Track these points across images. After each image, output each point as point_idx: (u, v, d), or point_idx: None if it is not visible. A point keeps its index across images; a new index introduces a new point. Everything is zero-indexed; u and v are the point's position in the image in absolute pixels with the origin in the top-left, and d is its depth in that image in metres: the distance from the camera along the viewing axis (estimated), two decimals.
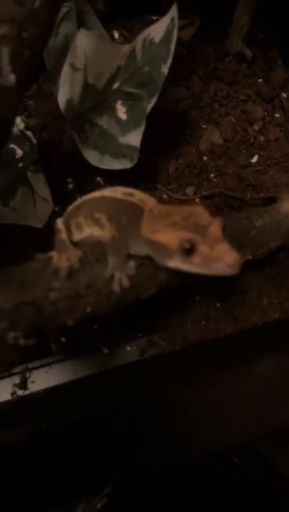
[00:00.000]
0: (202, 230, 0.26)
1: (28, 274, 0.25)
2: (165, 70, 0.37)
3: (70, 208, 0.32)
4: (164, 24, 0.36)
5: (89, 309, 0.26)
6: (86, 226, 0.31)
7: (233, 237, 0.35)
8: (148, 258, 0.29)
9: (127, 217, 0.29)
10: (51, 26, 0.28)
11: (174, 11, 0.36)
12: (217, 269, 0.26)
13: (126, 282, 0.27)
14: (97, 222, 0.30)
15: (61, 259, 0.26)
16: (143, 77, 0.37)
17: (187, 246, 0.26)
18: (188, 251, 0.26)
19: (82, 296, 0.26)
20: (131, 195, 0.30)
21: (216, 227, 0.26)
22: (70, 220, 0.31)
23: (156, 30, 0.36)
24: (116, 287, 0.27)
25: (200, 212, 0.27)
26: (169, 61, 0.36)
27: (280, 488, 0.49)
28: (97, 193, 0.31)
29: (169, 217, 0.27)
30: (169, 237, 0.26)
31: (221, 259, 0.26)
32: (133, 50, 0.38)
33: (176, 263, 0.27)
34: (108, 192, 0.31)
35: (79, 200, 0.32)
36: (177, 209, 0.28)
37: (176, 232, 0.26)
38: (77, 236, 0.30)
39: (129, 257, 0.28)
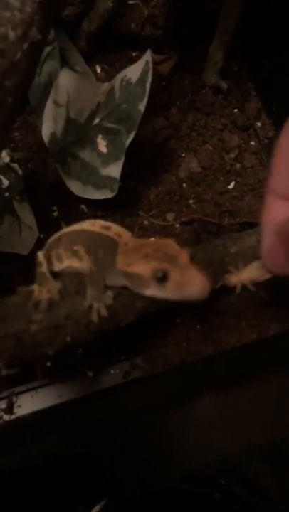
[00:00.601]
0: (172, 260, 0.28)
1: (10, 307, 0.26)
2: (142, 107, 0.39)
3: (50, 240, 0.34)
4: (139, 66, 0.39)
5: (68, 339, 0.28)
6: (66, 258, 0.32)
7: (208, 263, 0.37)
8: (125, 288, 0.31)
9: (104, 250, 0.30)
10: (32, 75, 0.30)
11: (148, 56, 0.39)
12: (188, 294, 0.27)
13: (104, 312, 0.29)
14: (75, 254, 0.32)
15: (42, 291, 0.28)
16: (121, 114, 0.40)
17: (160, 274, 0.27)
18: (162, 279, 0.27)
19: (62, 326, 0.27)
20: (108, 228, 0.31)
21: (184, 256, 0.28)
22: (51, 252, 0.33)
23: (133, 72, 0.39)
24: (94, 317, 0.29)
25: (170, 244, 0.29)
26: (145, 100, 0.39)
27: (264, 508, 0.50)
28: (76, 226, 0.33)
29: (142, 250, 0.28)
30: (143, 268, 0.27)
31: (191, 283, 0.27)
32: (112, 89, 0.40)
33: (151, 291, 0.28)
34: (87, 225, 0.32)
35: (59, 232, 0.34)
36: (150, 242, 0.29)
37: (149, 263, 0.27)
38: (57, 267, 0.32)
39: (107, 287, 0.29)
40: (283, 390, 0.46)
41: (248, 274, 0.30)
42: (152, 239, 0.31)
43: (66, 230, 0.33)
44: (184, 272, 0.27)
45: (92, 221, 0.33)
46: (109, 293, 0.29)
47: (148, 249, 0.28)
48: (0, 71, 0.28)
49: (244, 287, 0.44)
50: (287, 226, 0.23)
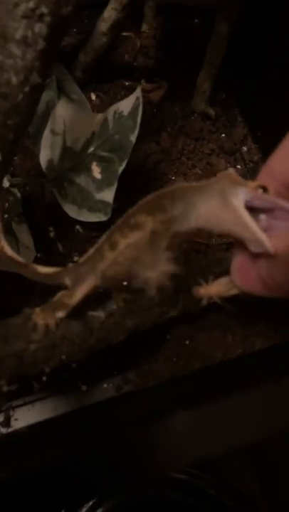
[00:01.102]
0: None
1: (11, 328, 0.29)
2: (133, 138, 0.42)
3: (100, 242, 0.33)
4: (131, 101, 0.42)
5: (64, 357, 0.30)
6: (121, 239, 0.30)
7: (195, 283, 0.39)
8: (118, 308, 0.34)
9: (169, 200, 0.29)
10: (32, 113, 0.33)
11: (138, 92, 0.42)
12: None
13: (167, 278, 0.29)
14: (133, 227, 0.30)
15: (38, 316, 0.30)
16: (114, 143, 0.43)
17: None
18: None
19: (58, 345, 0.30)
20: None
21: None
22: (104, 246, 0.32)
23: (125, 105, 0.42)
24: (153, 291, 0.29)
25: None
26: (136, 131, 0.41)
27: None
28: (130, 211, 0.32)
29: None
30: None
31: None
32: (106, 120, 0.43)
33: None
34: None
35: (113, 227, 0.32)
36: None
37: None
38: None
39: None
40: (268, 401, 0.48)
41: (215, 287, 0.31)
42: None
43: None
44: None
45: None
46: (101, 313, 0.32)
47: None
48: (3, 111, 0.31)
49: (231, 303, 0.47)
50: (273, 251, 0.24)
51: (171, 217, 0.29)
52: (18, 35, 0.29)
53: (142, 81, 0.57)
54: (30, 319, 0.29)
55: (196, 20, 0.63)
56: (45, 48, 0.29)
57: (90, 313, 0.31)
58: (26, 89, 0.30)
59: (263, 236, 0.24)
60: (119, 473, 0.45)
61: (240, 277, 0.27)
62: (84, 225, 0.51)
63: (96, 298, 0.33)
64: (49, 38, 0.29)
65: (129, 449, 0.47)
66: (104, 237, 0.31)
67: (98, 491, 0.45)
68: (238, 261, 0.27)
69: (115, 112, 0.42)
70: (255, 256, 0.25)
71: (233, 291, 0.30)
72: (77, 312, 0.31)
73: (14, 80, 0.30)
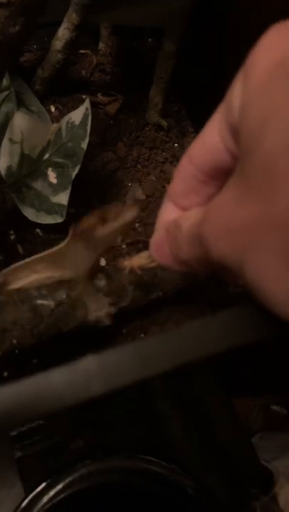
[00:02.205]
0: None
1: None
2: (84, 145, 0.45)
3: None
4: (81, 111, 0.45)
5: (15, 341, 0.33)
6: (23, 277, 0.37)
7: (141, 277, 0.43)
8: (67, 298, 0.36)
9: (58, 259, 0.36)
10: None
11: (87, 103, 0.45)
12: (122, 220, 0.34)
13: (108, 321, 0.36)
14: (33, 271, 0.37)
15: None
16: (67, 150, 0.46)
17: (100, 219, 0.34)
18: (102, 221, 0.34)
19: (9, 330, 0.32)
20: None
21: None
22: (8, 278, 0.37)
23: (76, 115, 0.46)
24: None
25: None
26: (87, 139, 0.45)
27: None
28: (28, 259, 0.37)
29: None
30: (88, 223, 0.34)
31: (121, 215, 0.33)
32: (60, 129, 0.47)
33: (101, 231, 0.34)
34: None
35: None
36: None
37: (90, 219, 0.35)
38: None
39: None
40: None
41: (137, 260, 0.35)
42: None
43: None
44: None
45: None
46: (52, 301, 0.35)
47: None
48: None
49: (182, 297, 0.51)
50: (173, 228, 0.28)
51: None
52: None
53: (99, 94, 0.61)
54: None
55: (149, 39, 0.67)
56: None
57: (40, 301, 0.34)
58: None
59: None
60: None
61: (156, 251, 0.31)
62: (43, 228, 0.54)
63: (45, 288, 0.35)
64: (0, 48, 0.32)
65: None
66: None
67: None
68: (155, 237, 0.31)
69: (68, 122, 0.46)
70: (168, 232, 0.28)
71: (152, 264, 0.34)
72: (27, 302, 0.34)
73: None
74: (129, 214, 0.33)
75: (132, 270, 0.34)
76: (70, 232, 0.35)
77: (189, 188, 0.29)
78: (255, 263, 0.22)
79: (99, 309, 0.37)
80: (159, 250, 0.30)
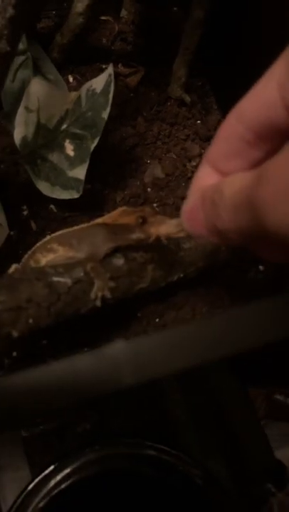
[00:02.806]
0: (142, 211, 0.35)
1: None
2: (105, 115, 0.42)
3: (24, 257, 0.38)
4: (103, 78, 0.42)
5: (31, 321, 0.31)
6: (42, 258, 0.36)
7: (162, 258, 0.40)
8: (85, 275, 0.34)
9: (76, 239, 0.36)
10: (1, 82, 0.33)
11: (110, 69, 0.42)
12: (162, 231, 0.34)
13: (108, 294, 0.35)
14: (50, 250, 0.36)
15: None
16: (87, 121, 0.43)
17: (141, 220, 0.34)
18: (142, 223, 0.34)
19: (24, 308, 0.30)
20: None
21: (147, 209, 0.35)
22: (28, 262, 0.37)
23: (98, 83, 0.43)
24: (98, 303, 0.35)
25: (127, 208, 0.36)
26: (108, 108, 0.42)
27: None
28: (45, 238, 0.38)
29: (112, 216, 0.36)
30: (129, 219, 0.34)
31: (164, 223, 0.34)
32: (79, 97, 0.44)
33: (136, 235, 0.35)
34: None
35: (33, 248, 0.38)
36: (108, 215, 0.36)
37: (130, 216, 0.35)
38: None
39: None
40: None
41: (165, 227, 0.33)
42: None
43: (35, 247, 0.39)
44: (155, 215, 0.34)
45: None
46: (68, 279, 0.33)
47: (117, 212, 0.35)
48: None
49: (200, 281, 0.48)
50: (211, 193, 0.25)
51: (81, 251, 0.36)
52: None
53: (119, 65, 0.58)
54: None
55: (174, 8, 0.64)
56: (14, 15, 0.30)
57: (56, 278, 0.32)
58: None
59: None
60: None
61: (188, 219, 0.27)
62: (58, 203, 0.51)
63: (61, 266, 0.33)
64: (18, 6, 0.30)
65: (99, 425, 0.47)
66: (29, 253, 0.38)
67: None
68: (188, 203, 0.27)
69: (88, 90, 0.43)
70: (204, 199, 0.25)
71: (181, 234, 0.32)
72: (43, 278, 0.32)
73: None
74: (170, 228, 0.32)
75: (157, 238, 0.32)
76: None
77: (233, 150, 0.25)
78: None
79: (100, 289, 0.35)
80: (192, 218, 0.26)
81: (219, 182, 0.25)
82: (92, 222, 0.36)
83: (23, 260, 0.37)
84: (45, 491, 0.48)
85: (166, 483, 0.50)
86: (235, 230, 0.24)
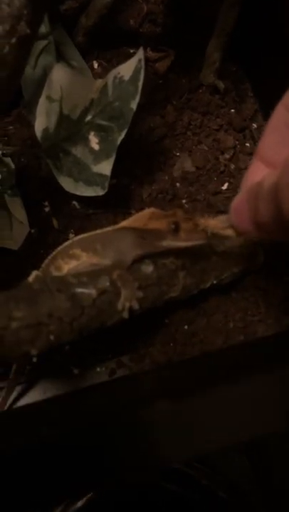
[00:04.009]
0: (174, 214, 0.32)
1: None
2: (134, 105, 0.39)
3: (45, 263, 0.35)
4: (132, 64, 0.38)
5: (52, 337, 0.28)
6: (64, 264, 0.34)
7: (194, 262, 0.37)
8: (111, 284, 0.31)
9: (100, 243, 0.33)
10: (21, 68, 0.30)
11: (140, 53, 0.38)
12: (195, 239, 0.32)
13: (136, 306, 0.32)
14: (72, 256, 0.34)
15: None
16: (114, 111, 0.40)
17: (173, 226, 0.31)
18: (175, 230, 0.31)
19: (45, 324, 0.27)
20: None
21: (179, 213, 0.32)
22: (49, 268, 0.34)
23: (126, 69, 0.39)
24: (126, 314, 0.32)
25: (157, 211, 0.34)
26: (137, 98, 0.38)
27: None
28: (67, 243, 0.35)
29: (140, 220, 0.33)
30: (160, 224, 0.32)
31: (197, 231, 0.32)
32: (105, 86, 0.40)
33: (168, 242, 0.32)
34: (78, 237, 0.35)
35: (54, 252, 0.36)
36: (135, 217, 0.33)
37: (161, 220, 0.32)
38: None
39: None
40: (266, 390, 0.45)
41: (214, 222, 0.32)
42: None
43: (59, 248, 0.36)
44: (188, 221, 0.32)
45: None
46: (93, 290, 0.29)
47: (145, 214, 0.33)
48: None
49: (233, 287, 0.45)
50: (255, 187, 0.25)
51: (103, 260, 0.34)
52: None
53: (148, 49, 0.54)
54: (13, 296, 0.27)
55: None
56: None
57: (80, 290, 0.29)
58: (13, 40, 0.27)
59: None
60: (106, 459, 0.43)
61: (236, 215, 0.27)
62: (81, 200, 0.48)
63: (85, 274, 0.30)
64: None
65: (120, 436, 0.45)
66: (49, 258, 0.36)
67: (84, 477, 0.43)
68: (236, 200, 0.28)
69: (115, 77, 0.39)
70: (250, 193, 0.25)
71: (228, 232, 0.31)
72: (65, 290, 0.29)
73: (0, 29, 0.27)
74: (218, 223, 0.31)
75: (204, 230, 0.30)
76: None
77: (283, 139, 0.26)
78: None
79: (128, 299, 0.32)
80: (238, 213, 0.27)
81: (264, 176, 0.25)
82: (117, 226, 0.33)
83: (44, 266, 0.34)
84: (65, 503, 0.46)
85: (189, 498, 0.48)
86: (272, 221, 0.24)
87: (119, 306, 0.31)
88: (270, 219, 0.24)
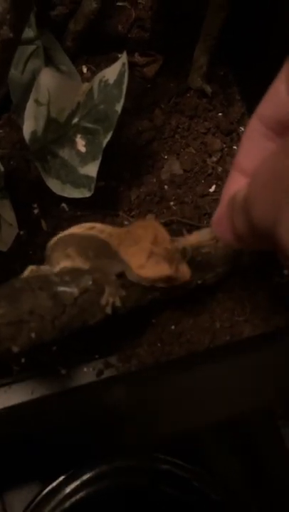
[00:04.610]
0: (172, 257, 0.33)
1: None
2: (118, 108, 0.39)
3: (49, 244, 0.36)
4: (116, 68, 0.39)
5: (33, 335, 0.28)
6: (60, 260, 0.36)
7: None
8: (94, 283, 0.32)
9: (92, 250, 0.35)
10: (5, 71, 0.30)
11: (124, 58, 0.39)
12: (177, 283, 0.34)
13: (118, 302, 0.33)
14: (68, 256, 0.34)
15: None
16: (99, 114, 0.40)
17: (167, 279, 0.33)
18: (168, 280, 0.33)
19: (26, 321, 0.28)
20: (92, 228, 0.34)
21: (177, 251, 0.34)
22: (50, 255, 0.36)
23: (111, 73, 0.39)
24: (109, 310, 0.33)
25: (160, 231, 0.34)
26: (122, 101, 0.39)
27: None
28: (66, 231, 0.35)
29: (140, 244, 0.33)
30: (157, 273, 0.33)
31: (182, 279, 0.34)
32: (91, 89, 0.41)
33: (156, 284, 0.34)
34: (75, 229, 0.35)
35: (54, 239, 0.37)
36: (137, 230, 0.32)
37: (158, 267, 0.33)
38: (55, 269, 0.35)
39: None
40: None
41: (195, 237, 0.34)
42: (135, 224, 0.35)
43: (60, 235, 0.36)
44: (179, 268, 0.33)
45: (79, 225, 0.37)
46: (75, 289, 0.30)
47: (145, 242, 0.32)
48: None
49: (219, 287, 0.45)
50: (233, 198, 0.25)
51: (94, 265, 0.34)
52: None
53: (136, 54, 0.55)
54: None
55: None
56: None
57: (62, 288, 0.29)
58: None
59: None
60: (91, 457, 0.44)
61: (217, 228, 0.28)
62: (70, 202, 0.49)
63: (68, 274, 0.31)
64: None
65: (108, 435, 0.45)
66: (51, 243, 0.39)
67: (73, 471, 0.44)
68: (218, 212, 0.28)
69: (101, 80, 0.40)
70: (228, 204, 0.26)
71: (211, 242, 0.33)
72: (47, 288, 0.29)
73: None
74: (202, 236, 0.33)
75: (184, 249, 0.31)
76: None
77: (259, 150, 0.26)
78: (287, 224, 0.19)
79: (112, 294, 0.33)
80: (219, 225, 0.27)
81: (240, 187, 0.25)
82: (114, 247, 0.34)
83: (48, 248, 0.37)
84: (55, 502, 0.46)
85: (182, 500, 0.48)
86: (247, 232, 0.24)
87: (103, 301, 0.32)
88: (245, 230, 0.24)
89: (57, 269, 0.35)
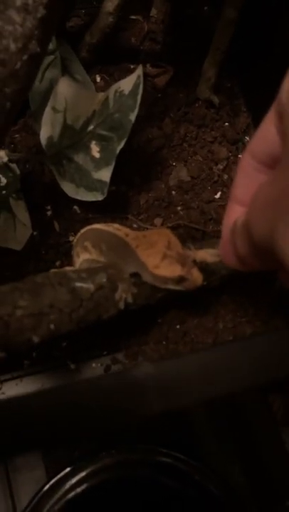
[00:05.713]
0: (184, 260, 0.35)
1: None
2: (132, 117, 0.42)
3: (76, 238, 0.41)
4: (132, 79, 0.42)
5: (52, 326, 0.30)
6: (80, 253, 0.39)
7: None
8: (108, 280, 0.34)
9: (106, 244, 0.37)
10: (31, 83, 0.33)
11: (140, 70, 0.41)
12: (189, 287, 0.36)
13: (130, 299, 0.35)
14: (86, 248, 0.37)
15: None
16: (114, 122, 0.43)
17: (180, 278, 0.35)
18: (180, 280, 0.35)
19: (46, 314, 0.30)
20: (109, 225, 0.36)
21: (189, 257, 0.36)
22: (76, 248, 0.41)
23: (126, 84, 0.42)
24: (122, 304, 0.35)
25: (172, 238, 0.36)
26: (136, 110, 0.41)
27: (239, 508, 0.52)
28: (89, 226, 0.39)
29: (155, 246, 0.35)
30: (169, 272, 0.34)
31: (194, 282, 0.35)
32: (106, 99, 0.43)
33: (168, 286, 0.36)
34: (96, 225, 0.39)
35: (78, 234, 0.41)
36: (153, 236, 0.36)
37: (172, 267, 0.35)
38: (76, 264, 0.38)
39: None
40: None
41: (202, 254, 0.36)
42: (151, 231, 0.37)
43: (82, 230, 0.40)
44: (191, 272, 0.35)
45: (105, 223, 0.40)
46: (91, 285, 0.32)
47: (160, 245, 0.35)
48: (0, 78, 0.31)
49: (223, 289, 0.47)
50: (234, 224, 0.27)
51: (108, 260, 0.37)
52: (19, 1, 0.29)
53: (148, 65, 0.57)
54: (17, 287, 0.30)
55: (205, 7, 0.62)
56: (45, 16, 0.29)
57: (79, 284, 0.31)
58: (25, 57, 0.30)
59: None
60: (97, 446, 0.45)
61: (223, 251, 0.30)
62: (82, 205, 0.51)
63: (85, 271, 0.33)
64: (49, 6, 0.29)
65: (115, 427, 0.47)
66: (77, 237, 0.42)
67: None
68: (223, 240, 0.30)
69: (116, 91, 0.42)
70: (231, 231, 0.28)
71: (214, 259, 0.34)
72: (66, 284, 0.31)
73: (13, 46, 0.30)
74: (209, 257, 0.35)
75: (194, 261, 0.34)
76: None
77: (252, 183, 0.28)
78: (285, 236, 0.21)
79: (125, 291, 0.35)
80: (224, 251, 0.29)
81: (239, 215, 0.28)
82: (131, 245, 0.36)
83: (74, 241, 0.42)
84: (60, 493, 0.48)
85: (182, 493, 0.49)
86: (250, 255, 0.26)
87: (117, 296, 0.34)
88: (246, 250, 0.26)
89: (80, 260, 0.39)
